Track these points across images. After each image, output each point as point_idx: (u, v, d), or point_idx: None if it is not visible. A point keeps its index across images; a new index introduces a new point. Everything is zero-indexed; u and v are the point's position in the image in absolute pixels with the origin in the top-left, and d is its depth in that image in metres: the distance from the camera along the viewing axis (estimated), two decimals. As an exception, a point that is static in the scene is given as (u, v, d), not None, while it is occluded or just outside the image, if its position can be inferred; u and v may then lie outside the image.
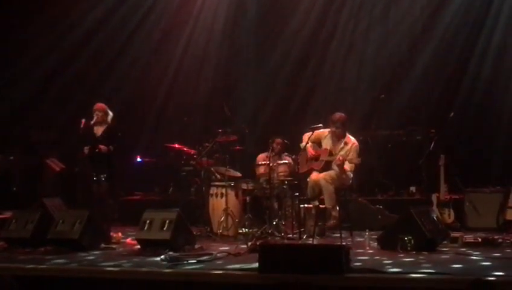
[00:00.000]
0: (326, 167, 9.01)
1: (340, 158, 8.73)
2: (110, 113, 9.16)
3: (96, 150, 8.85)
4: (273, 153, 9.44)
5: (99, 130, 9.11)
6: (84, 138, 9.02)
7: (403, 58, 11.56)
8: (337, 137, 9.02)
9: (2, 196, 10.68)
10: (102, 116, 9.07)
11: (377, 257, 7.16)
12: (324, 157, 9.02)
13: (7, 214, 9.22)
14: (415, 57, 11.49)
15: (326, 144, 9.10)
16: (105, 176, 8.87)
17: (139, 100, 12.70)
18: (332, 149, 9.01)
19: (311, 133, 8.97)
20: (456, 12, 11.24)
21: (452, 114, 10.23)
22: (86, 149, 8.92)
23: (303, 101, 11.93)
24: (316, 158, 9.11)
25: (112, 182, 9.10)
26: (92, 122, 9.02)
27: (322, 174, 8.93)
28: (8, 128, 12.25)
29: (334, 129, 9.02)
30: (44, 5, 12.14)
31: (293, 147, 9.59)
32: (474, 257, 7.06)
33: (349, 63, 11.90)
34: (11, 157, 11.24)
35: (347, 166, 8.83)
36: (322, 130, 9.08)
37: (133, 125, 12.14)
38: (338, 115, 9.04)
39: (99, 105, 9.19)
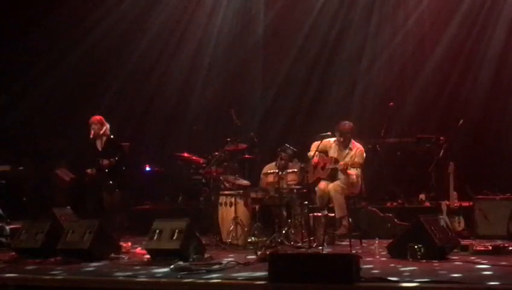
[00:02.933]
0: (333, 174, 9.05)
1: (342, 163, 8.77)
2: (107, 125, 9.17)
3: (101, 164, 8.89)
4: (282, 162, 9.45)
5: (99, 143, 9.14)
6: (89, 150, 9.08)
7: (412, 66, 11.57)
8: (343, 145, 9.09)
9: (13, 206, 10.71)
10: (99, 128, 9.09)
11: (387, 266, 7.14)
12: (330, 165, 9.06)
13: (18, 224, 9.25)
14: (423, 64, 11.50)
15: (333, 153, 9.16)
16: (114, 185, 8.92)
17: (148, 109, 12.73)
18: (338, 157, 9.04)
19: (319, 142, 8.99)
20: (462, 19, 11.25)
21: (461, 122, 10.21)
22: (90, 171, 8.99)
23: (312, 109, 11.95)
24: (322, 167, 9.14)
25: (122, 191, 9.12)
26: (91, 136, 9.06)
27: (332, 185, 8.97)
28: (17, 139, 12.32)
29: (339, 138, 9.06)
30: (51, 17, 12.22)
31: (302, 155, 9.59)
32: (480, 265, 7.02)
33: (358, 71, 11.91)
34: (21, 168, 11.28)
35: (352, 171, 8.85)
36: (328, 139, 9.12)
37: (141, 135, 12.19)
38: (342, 124, 9.10)
39: (95, 117, 9.18)
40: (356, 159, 8.80)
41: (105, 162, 8.89)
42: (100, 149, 9.14)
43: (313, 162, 9.13)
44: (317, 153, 9.08)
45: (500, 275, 6.39)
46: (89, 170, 9.09)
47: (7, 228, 9.68)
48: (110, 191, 8.97)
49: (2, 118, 12.34)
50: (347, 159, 8.90)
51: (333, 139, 9.19)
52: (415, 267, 6.93)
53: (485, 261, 7.20)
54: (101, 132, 9.11)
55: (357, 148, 9.04)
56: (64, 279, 6.92)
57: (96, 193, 9.15)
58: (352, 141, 9.13)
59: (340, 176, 8.97)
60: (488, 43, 11.16)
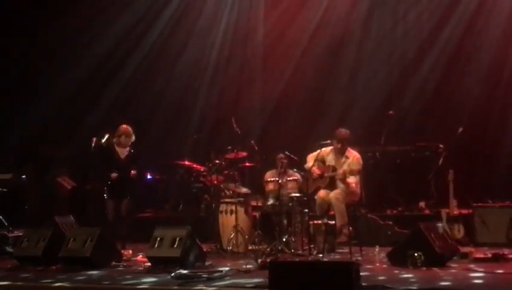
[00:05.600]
0: (331, 183, 9.08)
1: (341, 171, 8.81)
2: (133, 137, 9.26)
3: (129, 174, 8.96)
4: (282, 169, 9.49)
5: (123, 153, 9.20)
6: (103, 157, 9.12)
7: (411, 74, 11.63)
8: (340, 153, 9.12)
9: (15, 214, 10.75)
10: (127, 139, 9.18)
11: (387, 273, 7.16)
12: (328, 174, 9.10)
13: (19, 232, 9.28)
14: (423, 73, 11.56)
15: (330, 161, 9.21)
16: (126, 194, 9.01)
17: (149, 118, 12.79)
18: (336, 165, 9.08)
19: (316, 153, 9.04)
20: (460, 28, 11.35)
21: (461, 129, 10.25)
22: (114, 175, 9.03)
23: (312, 117, 11.99)
24: (320, 176, 9.18)
25: (134, 201, 9.21)
26: (115, 141, 9.13)
27: (332, 193, 9.00)
28: (20, 147, 12.37)
29: (336, 145, 9.11)
30: (54, 27, 12.31)
31: (302, 163, 9.63)
32: (475, 274, 7.02)
33: (358, 79, 11.98)
34: (23, 176, 11.33)
35: (350, 179, 8.89)
36: (324, 148, 9.16)
37: (142, 143, 12.22)
38: (340, 131, 9.14)
39: (127, 128, 9.23)
40: (354, 167, 8.84)
41: (134, 172, 9.01)
42: (122, 159, 9.19)
43: (314, 176, 9.15)
44: (315, 163, 9.12)
45: (491, 283, 6.42)
46: (113, 174, 9.10)
47: (9, 236, 9.71)
48: (120, 199, 9.05)
49: (5, 126, 12.41)
50: (344, 166, 8.94)
51: (330, 148, 9.23)
52: (415, 275, 6.95)
53: (481, 269, 7.21)
54: (127, 143, 9.20)
55: (353, 156, 9.08)
56: (65, 286, 6.94)
57: (97, 200, 9.19)
58: (349, 148, 9.17)
59: (340, 184, 9.00)
60: (487, 51, 11.21)
